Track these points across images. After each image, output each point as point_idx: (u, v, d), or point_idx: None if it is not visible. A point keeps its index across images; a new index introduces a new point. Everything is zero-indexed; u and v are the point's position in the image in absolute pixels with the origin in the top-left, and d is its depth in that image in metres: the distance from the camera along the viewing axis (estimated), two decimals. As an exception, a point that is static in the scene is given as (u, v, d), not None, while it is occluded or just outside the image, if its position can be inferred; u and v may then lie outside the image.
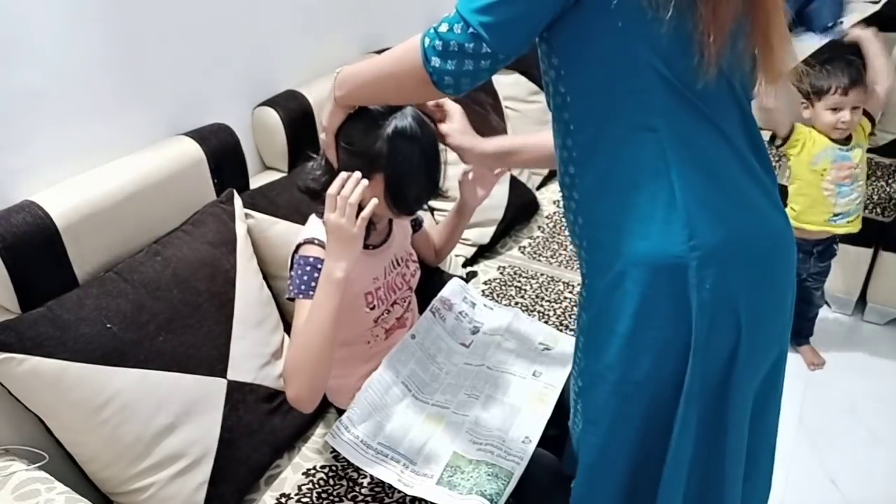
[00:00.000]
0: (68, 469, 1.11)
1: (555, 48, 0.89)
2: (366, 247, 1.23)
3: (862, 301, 2.45)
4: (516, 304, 1.71)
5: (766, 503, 1.14)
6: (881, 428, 2.02)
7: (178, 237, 1.29)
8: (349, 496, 1.21)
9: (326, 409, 1.40)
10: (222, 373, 1.23)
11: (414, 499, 1.16)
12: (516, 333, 1.47)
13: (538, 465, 1.18)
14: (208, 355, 1.21)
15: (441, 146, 1.22)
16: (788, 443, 1.95)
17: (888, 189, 2.28)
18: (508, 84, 2.20)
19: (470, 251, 1.92)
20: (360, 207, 1.08)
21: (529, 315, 1.61)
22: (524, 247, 2.02)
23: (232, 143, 1.46)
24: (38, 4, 1.16)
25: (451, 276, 1.56)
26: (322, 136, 1.18)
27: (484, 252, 1.98)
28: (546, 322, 1.63)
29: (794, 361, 2.26)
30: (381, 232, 1.30)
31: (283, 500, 1.22)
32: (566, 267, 1.91)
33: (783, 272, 0.96)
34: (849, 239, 2.25)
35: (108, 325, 1.10)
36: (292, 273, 1.17)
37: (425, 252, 1.52)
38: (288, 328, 1.41)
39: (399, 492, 1.16)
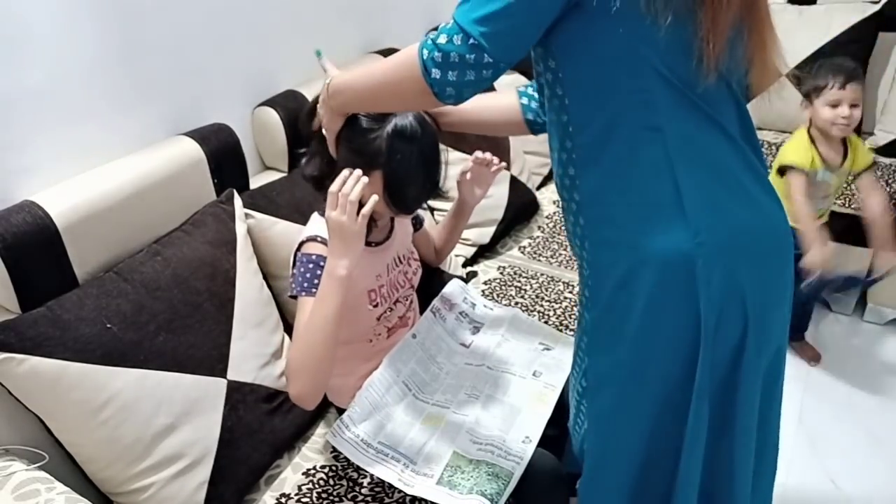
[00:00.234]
0: (68, 469, 1.11)
1: (552, 51, 0.89)
2: (368, 244, 1.24)
3: (862, 301, 2.45)
4: (516, 304, 1.71)
5: (771, 488, 1.14)
6: (881, 428, 2.02)
7: (178, 237, 1.29)
8: (349, 496, 1.21)
9: (327, 409, 1.40)
10: (222, 373, 1.23)
11: (414, 499, 1.16)
12: (516, 333, 1.47)
13: (538, 465, 1.18)
14: (208, 355, 1.21)
15: (442, 146, 1.22)
16: (788, 443, 1.95)
17: (888, 189, 2.28)
18: (508, 84, 2.20)
19: (470, 251, 1.92)
20: (362, 204, 1.09)
21: (529, 315, 1.61)
22: (524, 247, 2.02)
23: (232, 143, 1.46)
24: (38, 4, 1.16)
25: (451, 276, 1.56)
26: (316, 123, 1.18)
27: (484, 252, 1.98)
28: (546, 322, 1.63)
29: (794, 362, 2.26)
30: (383, 229, 1.30)
31: (283, 500, 1.22)
32: (566, 267, 1.91)
33: (784, 262, 0.97)
34: (849, 239, 2.25)
35: (108, 325, 1.10)
36: (295, 271, 1.17)
37: (426, 252, 1.52)
38: (288, 328, 1.41)
39: (399, 492, 1.16)
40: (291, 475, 1.28)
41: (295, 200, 1.47)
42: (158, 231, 1.30)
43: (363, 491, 1.21)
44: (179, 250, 1.26)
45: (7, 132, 1.16)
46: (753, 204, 0.91)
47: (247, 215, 1.41)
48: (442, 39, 0.84)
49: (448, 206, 1.91)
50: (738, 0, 0.83)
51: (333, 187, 1.08)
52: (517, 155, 2.12)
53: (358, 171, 1.09)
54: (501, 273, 1.86)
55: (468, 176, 1.39)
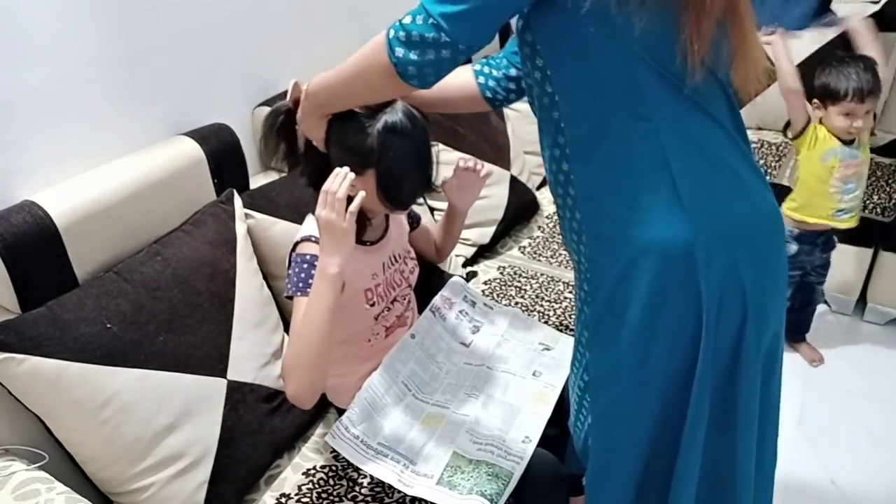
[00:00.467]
0: (68, 469, 1.11)
1: (538, 49, 0.90)
2: (363, 243, 1.24)
3: (862, 301, 2.45)
4: (516, 304, 1.71)
5: (772, 477, 1.14)
6: (881, 428, 2.02)
7: (178, 237, 1.29)
8: (349, 496, 1.21)
9: (326, 409, 1.40)
10: (222, 373, 1.23)
11: (414, 499, 1.16)
12: (516, 333, 1.47)
13: (538, 465, 1.18)
14: (208, 355, 1.21)
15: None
16: (788, 443, 1.95)
17: (888, 189, 2.28)
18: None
19: (470, 251, 1.92)
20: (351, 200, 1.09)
21: (529, 315, 1.61)
22: (524, 247, 2.02)
23: (232, 143, 1.46)
24: (38, 5, 1.16)
25: (450, 276, 1.56)
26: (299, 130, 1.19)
27: (484, 252, 1.98)
28: (546, 322, 1.63)
29: (794, 362, 2.26)
30: (378, 228, 1.30)
31: (283, 500, 1.22)
32: (566, 267, 1.91)
33: (779, 247, 0.98)
34: (849, 239, 2.25)
35: (108, 325, 1.10)
36: (290, 271, 1.17)
37: (427, 249, 1.52)
38: (288, 328, 1.41)
39: (399, 492, 1.16)
40: (291, 475, 1.28)
41: (295, 200, 1.47)
42: (158, 231, 1.30)
43: (363, 491, 1.21)
44: (179, 250, 1.26)
45: (7, 132, 1.16)
46: (748, 192, 0.92)
47: (247, 215, 1.41)
48: (407, 20, 0.87)
49: (446, 205, 1.92)
50: (721, 1, 0.83)
51: (325, 186, 1.08)
52: (517, 155, 2.12)
53: (345, 169, 1.09)
54: (501, 273, 1.86)
55: (454, 182, 1.38)
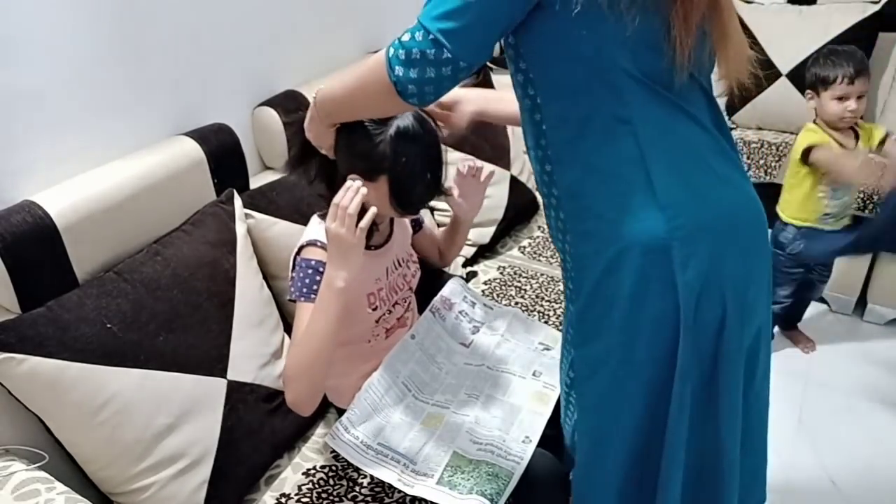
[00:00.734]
0: (68, 469, 1.11)
1: (521, 52, 0.91)
2: (368, 247, 1.24)
3: (862, 301, 2.45)
4: (516, 304, 1.71)
5: (764, 473, 1.14)
6: (881, 428, 2.02)
7: (178, 237, 1.29)
8: (349, 496, 1.21)
9: (326, 410, 1.40)
10: (222, 373, 1.23)
11: (414, 499, 1.16)
12: (516, 333, 1.47)
13: (538, 465, 1.18)
14: (208, 355, 1.21)
15: (442, 145, 1.22)
16: (788, 443, 1.95)
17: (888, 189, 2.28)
18: (508, 84, 2.20)
19: (470, 251, 1.92)
20: (365, 209, 1.09)
21: (529, 315, 1.61)
22: (524, 247, 2.02)
23: (232, 143, 1.46)
24: (38, 5, 1.16)
25: (451, 276, 1.56)
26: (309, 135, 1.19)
27: (484, 252, 1.98)
28: (546, 322, 1.63)
29: (794, 362, 2.26)
30: (383, 232, 1.30)
31: (283, 500, 1.22)
32: (566, 267, 1.91)
33: (761, 240, 0.99)
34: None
35: (108, 325, 1.10)
36: (293, 275, 1.17)
37: (430, 253, 1.52)
38: (288, 328, 1.41)
39: (399, 492, 1.16)
40: (291, 475, 1.28)
41: (295, 200, 1.47)
42: (158, 231, 1.30)
43: (363, 491, 1.21)
44: (179, 250, 1.26)
45: (7, 132, 1.16)
46: (727, 188, 0.93)
47: (247, 215, 1.41)
48: (405, 37, 0.86)
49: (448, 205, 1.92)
50: None
51: (336, 198, 1.08)
52: (517, 155, 2.12)
53: (357, 183, 1.09)
54: (501, 273, 1.86)
55: (456, 193, 1.38)
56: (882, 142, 1.98)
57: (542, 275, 1.84)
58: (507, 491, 1.10)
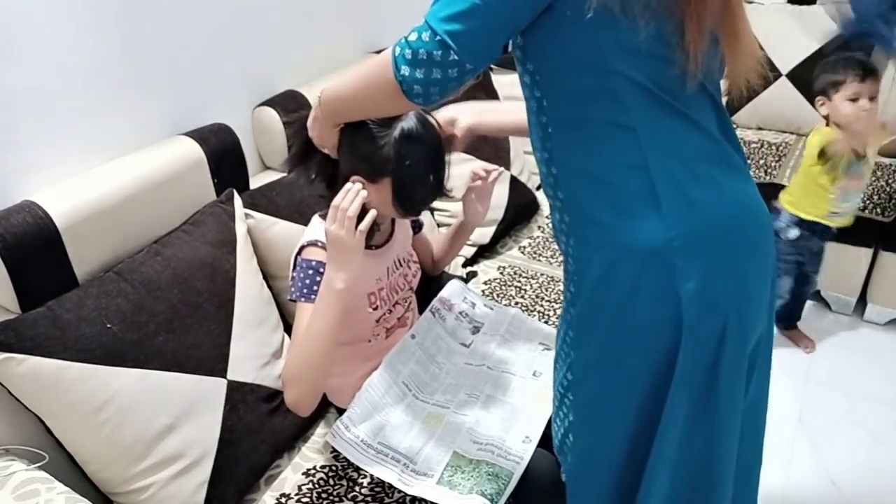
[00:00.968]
0: (68, 469, 1.11)
1: (529, 54, 0.91)
2: (369, 247, 1.23)
3: (862, 301, 2.45)
4: (516, 304, 1.71)
5: (755, 480, 1.14)
6: (881, 428, 2.02)
7: (178, 237, 1.29)
8: (349, 496, 1.21)
9: (326, 409, 1.40)
10: (222, 373, 1.23)
11: (414, 499, 1.16)
12: (516, 333, 1.47)
13: (538, 465, 1.18)
14: (208, 355, 1.21)
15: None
16: (788, 443, 1.95)
17: (888, 189, 2.28)
18: (508, 84, 2.20)
19: (470, 251, 1.92)
20: (365, 211, 1.09)
21: (529, 315, 1.61)
22: (524, 247, 2.02)
23: (232, 143, 1.46)
24: (37, 5, 1.16)
25: (451, 277, 1.56)
26: (312, 134, 1.19)
27: (484, 252, 1.98)
28: (546, 322, 1.63)
29: (794, 362, 2.26)
30: (384, 232, 1.30)
31: (283, 500, 1.22)
32: (566, 267, 1.91)
33: (763, 246, 0.98)
34: (849, 239, 2.25)
35: (108, 325, 1.10)
36: (294, 275, 1.17)
37: (423, 258, 1.52)
38: (288, 328, 1.41)
39: (399, 492, 1.16)
40: (291, 475, 1.28)
41: (295, 200, 1.47)
42: (158, 231, 1.30)
43: (363, 491, 1.21)
44: (179, 250, 1.26)
45: (7, 132, 1.16)
46: (730, 196, 0.93)
47: (247, 215, 1.41)
48: (412, 37, 0.86)
49: (450, 206, 1.92)
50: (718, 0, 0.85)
51: (336, 200, 1.08)
52: (517, 155, 2.12)
53: (357, 186, 1.09)
54: (501, 273, 1.86)
55: (473, 196, 1.39)
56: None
57: (542, 275, 1.84)
58: (507, 491, 1.10)
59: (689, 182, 0.89)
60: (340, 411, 1.31)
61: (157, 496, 1.11)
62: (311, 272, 1.15)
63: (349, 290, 1.09)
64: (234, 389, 1.23)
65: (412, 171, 1.14)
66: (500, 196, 1.98)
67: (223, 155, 1.43)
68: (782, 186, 2.17)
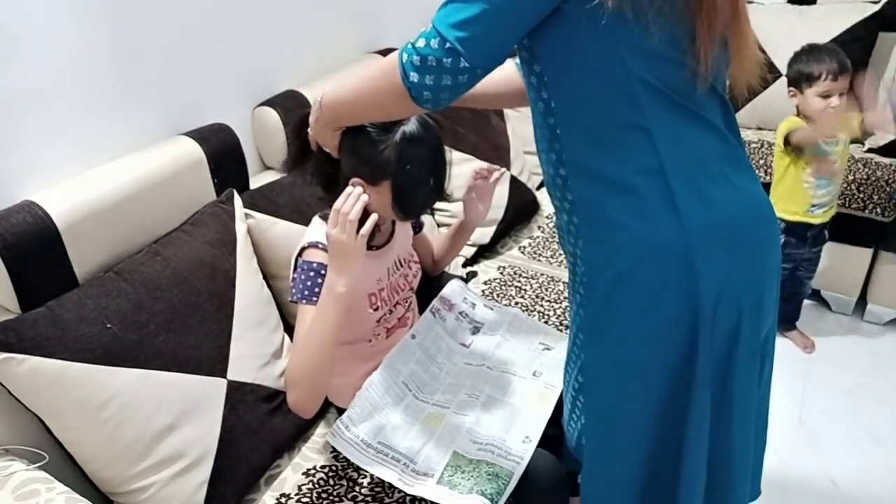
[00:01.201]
0: (68, 469, 1.11)
1: (537, 56, 0.91)
2: (370, 248, 1.23)
3: (862, 301, 2.45)
4: (516, 304, 1.71)
5: (759, 469, 1.15)
6: (881, 428, 2.02)
7: (178, 237, 1.29)
8: (349, 496, 1.21)
9: (327, 409, 1.40)
10: (222, 373, 1.23)
11: (414, 498, 1.16)
12: (516, 333, 1.47)
13: (538, 465, 1.18)
14: (208, 355, 1.21)
15: (445, 146, 1.22)
16: (788, 443, 1.95)
17: (888, 189, 2.28)
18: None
19: (470, 251, 1.92)
20: (367, 214, 1.09)
21: (529, 315, 1.61)
22: (524, 247, 2.02)
23: (232, 143, 1.46)
24: (38, 4, 1.16)
25: (451, 277, 1.56)
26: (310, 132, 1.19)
27: (484, 252, 1.98)
28: (546, 322, 1.63)
29: (794, 363, 2.26)
30: (385, 233, 1.30)
31: (283, 500, 1.22)
32: (566, 267, 1.90)
33: (773, 246, 0.99)
34: (849, 239, 2.25)
35: (108, 325, 1.10)
36: (295, 276, 1.17)
37: (423, 258, 1.52)
38: (288, 328, 1.41)
39: (399, 491, 1.16)
40: (291, 475, 1.28)
41: (295, 200, 1.47)
42: (158, 231, 1.30)
43: (363, 491, 1.21)
44: (179, 250, 1.26)
45: (7, 132, 1.16)
46: (741, 193, 0.93)
47: (247, 215, 1.41)
48: (420, 43, 0.85)
49: (450, 206, 1.92)
50: (728, 4, 0.85)
51: (337, 204, 1.08)
52: (517, 155, 2.12)
53: (358, 190, 1.09)
54: (501, 273, 1.86)
55: (473, 195, 1.39)
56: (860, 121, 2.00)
57: (542, 275, 1.84)
58: (507, 491, 1.10)
59: (705, 182, 0.90)
60: (340, 411, 1.31)
61: (157, 496, 1.11)
62: (311, 274, 1.15)
63: (350, 293, 1.09)
64: (234, 389, 1.23)
65: (412, 175, 1.14)
66: (500, 196, 1.98)
67: (223, 155, 1.43)
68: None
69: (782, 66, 2.56)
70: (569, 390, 1.13)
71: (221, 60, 1.55)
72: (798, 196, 2.03)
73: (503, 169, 1.44)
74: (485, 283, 1.81)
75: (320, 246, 1.17)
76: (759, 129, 2.76)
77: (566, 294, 1.75)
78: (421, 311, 1.42)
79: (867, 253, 2.33)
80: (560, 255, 1.96)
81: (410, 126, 1.13)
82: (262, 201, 1.44)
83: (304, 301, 1.14)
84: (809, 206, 2.04)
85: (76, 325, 1.07)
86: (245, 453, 1.22)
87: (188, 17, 1.44)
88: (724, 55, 0.91)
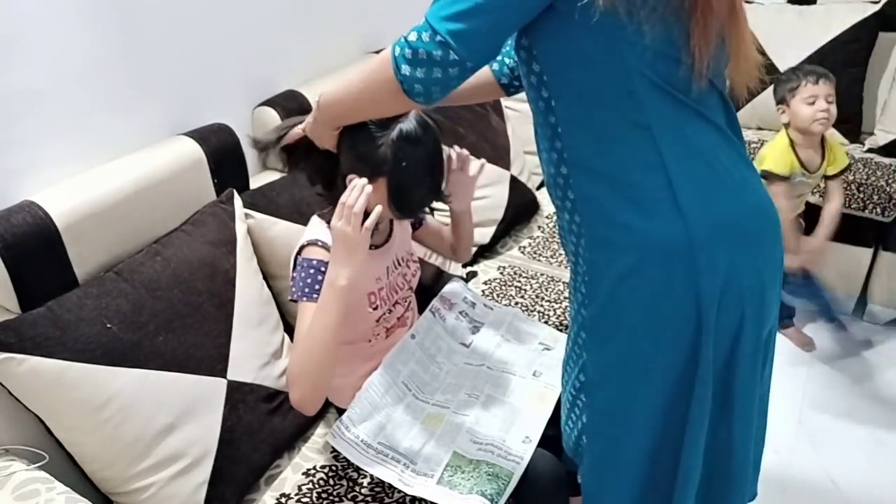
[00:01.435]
0: (68, 469, 1.11)
1: (535, 55, 0.91)
2: (369, 247, 1.23)
3: (862, 301, 2.45)
4: (516, 304, 1.71)
5: (757, 468, 1.15)
6: (881, 428, 2.02)
7: (178, 237, 1.29)
8: (349, 496, 1.21)
9: (327, 409, 1.40)
10: (222, 373, 1.23)
11: (414, 499, 1.16)
12: (516, 333, 1.47)
13: (538, 465, 1.18)
14: (208, 355, 1.21)
15: (444, 146, 1.22)
16: (788, 443, 1.95)
17: (888, 189, 2.28)
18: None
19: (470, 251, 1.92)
20: (367, 213, 1.09)
21: (529, 315, 1.61)
22: (524, 247, 2.02)
23: (232, 143, 1.46)
24: (38, 4, 1.16)
25: (451, 276, 1.56)
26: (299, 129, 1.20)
27: (484, 252, 1.98)
28: (546, 322, 1.63)
29: (794, 363, 2.25)
30: (383, 232, 1.30)
31: (283, 500, 1.22)
32: (566, 267, 1.90)
33: (776, 243, 0.99)
34: (849, 239, 2.25)
35: (108, 325, 1.10)
36: (295, 275, 1.17)
37: (441, 248, 1.51)
38: (288, 328, 1.41)
39: (399, 492, 1.16)
40: (291, 475, 1.28)
41: (295, 200, 1.47)
42: (158, 231, 1.30)
43: (363, 491, 1.21)
44: (179, 250, 1.26)
45: (7, 132, 1.16)
46: (743, 190, 0.94)
47: (247, 215, 1.41)
48: (412, 37, 0.86)
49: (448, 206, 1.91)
50: (725, 4, 0.85)
51: (342, 197, 1.08)
52: (517, 155, 2.12)
53: (363, 181, 1.09)
54: (501, 273, 1.86)
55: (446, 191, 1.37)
56: (842, 172, 2.04)
57: (542, 275, 1.84)
58: (507, 491, 1.10)
59: (706, 178, 0.90)
60: (340, 411, 1.31)
61: (157, 496, 1.11)
62: (311, 271, 1.15)
63: (352, 287, 1.09)
64: (234, 389, 1.23)
65: (408, 173, 1.14)
66: (500, 196, 1.98)
67: (223, 155, 1.43)
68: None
69: (783, 65, 2.56)
70: (568, 389, 1.13)
71: (222, 60, 1.55)
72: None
73: (482, 161, 1.42)
74: (485, 283, 1.81)
75: (320, 244, 1.17)
76: (759, 129, 2.76)
77: (566, 294, 1.75)
78: (421, 311, 1.42)
79: (867, 253, 2.33)
80: (560, 254, 1.96)
81: (408, 124, 1.13)
82: (261, 201, 1.44)
83: (304, 298, 1.14)
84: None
85: (76, 326, 1.07)
86: (245, 453, 1.22)
87: (188, 17, 1.44)
88: (723, 54, 0.91)
